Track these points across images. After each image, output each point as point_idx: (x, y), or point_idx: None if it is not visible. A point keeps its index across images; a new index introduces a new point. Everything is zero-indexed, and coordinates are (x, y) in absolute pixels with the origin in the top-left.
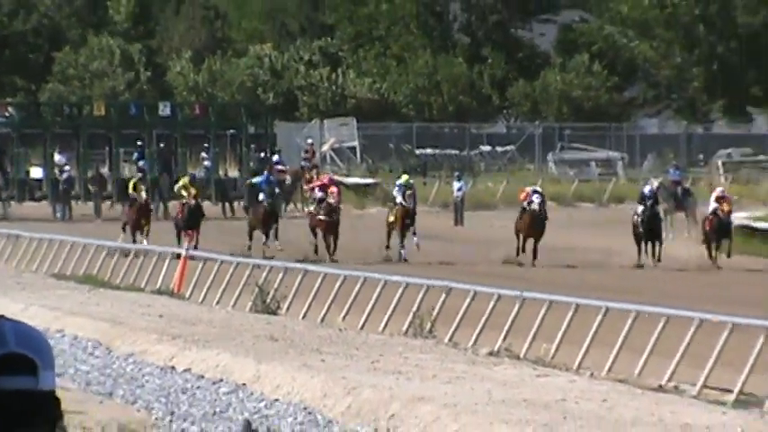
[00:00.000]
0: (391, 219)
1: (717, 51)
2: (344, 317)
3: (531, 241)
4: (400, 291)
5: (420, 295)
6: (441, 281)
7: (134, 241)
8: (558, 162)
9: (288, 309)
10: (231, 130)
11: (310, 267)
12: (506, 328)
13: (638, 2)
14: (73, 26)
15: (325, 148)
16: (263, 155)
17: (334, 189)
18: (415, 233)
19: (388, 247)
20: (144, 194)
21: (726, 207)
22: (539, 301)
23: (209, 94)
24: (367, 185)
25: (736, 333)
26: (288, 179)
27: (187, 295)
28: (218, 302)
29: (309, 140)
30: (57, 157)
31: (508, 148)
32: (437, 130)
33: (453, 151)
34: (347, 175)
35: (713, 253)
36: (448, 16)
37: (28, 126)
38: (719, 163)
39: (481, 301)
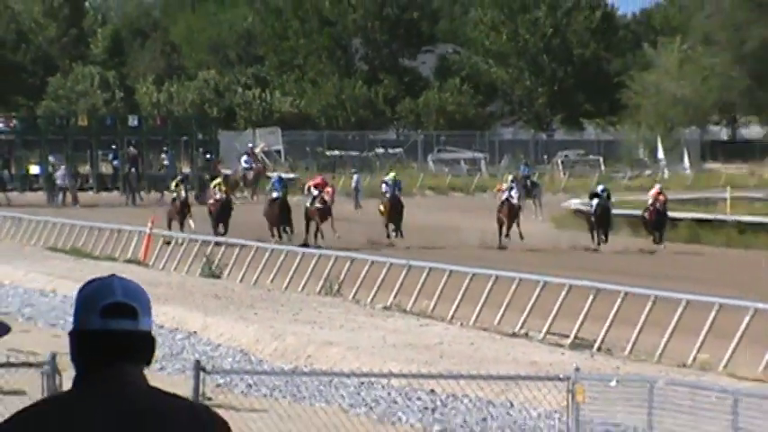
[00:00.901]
0: (381, 209)
1: (557, 76)
2: (272, 280)
3: (505, 226)
4: (314, 260)
5: (330, 263)
6: (345, 252)
7: (181, 229)
8: (435, 161)
9: (228, 274)
10: (184, 137)
11: (247, 242)
12: (396, 288)
13: (497, 37)
14: (62, 57)
15: (257, 150)
16: (208, 156)
17: (329, 189)
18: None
19: (388, 236)
20: (183, 192)
21: (662, 198)
22: (421, 267)
23: (167, 109)
24: (289, 179)
25: (574, 292)
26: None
27: (151, 263)
28: (174, 269)
29: (250, 145)
30: (50, 158)
31: (397, 150)
32: (343, 136)
33: (355, 153)
34: (274, 171)
35: (656, 237)
36: (351, 49)
37: (28, 134)
38: (559, 161)
39: (377, 268)
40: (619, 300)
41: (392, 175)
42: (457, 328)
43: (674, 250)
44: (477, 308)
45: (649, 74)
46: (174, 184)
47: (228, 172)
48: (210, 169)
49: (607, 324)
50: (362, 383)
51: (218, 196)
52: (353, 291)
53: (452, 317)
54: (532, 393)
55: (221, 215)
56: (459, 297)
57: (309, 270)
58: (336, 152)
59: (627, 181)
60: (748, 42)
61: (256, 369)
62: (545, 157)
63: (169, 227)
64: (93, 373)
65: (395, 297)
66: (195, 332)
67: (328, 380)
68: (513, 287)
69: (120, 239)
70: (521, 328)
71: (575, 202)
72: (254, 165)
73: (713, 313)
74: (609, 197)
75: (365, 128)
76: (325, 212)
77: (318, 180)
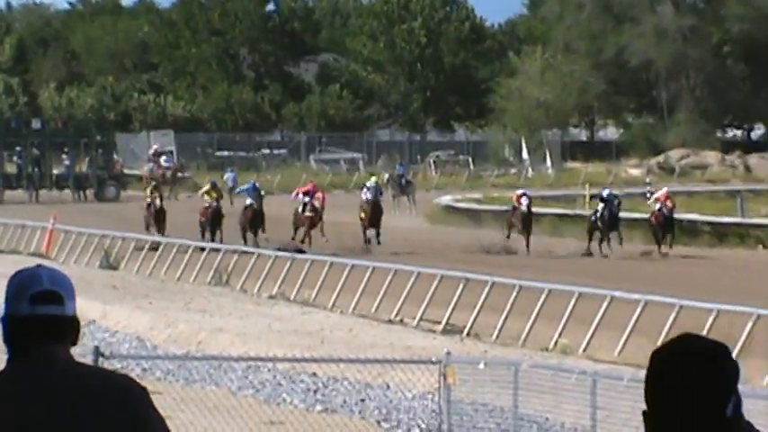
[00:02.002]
0: (362, 215)
1: (430, 82)
2: (166, 272)
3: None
4: (204, 254)
5: (219, 257)
6: (232, 245)
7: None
8: (317, 161)
9: (125, 265)
10: (84, 139)
11: (139, 236)
12: (281, 279)
13: (374, 46)
14: None
15: (151, 151)
16: (106, 157)
17: (320, 195)
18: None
19: (368, 241)
20: (158, 200)
21: (670, 204)
22: (304, 260)
23: (68, 113)
24: (181, 178)
25: (444, 282)
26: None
27: (53, 256)
28: (75, 262)
29: (155, 146)
30: None
31: (282, 151)
32: (231, 138)
33: (243, 153)
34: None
35: (660, 244)
36: (239, 57)
37: None
38: (431, 161)
39: (263, 261)
40: (486, 288)
41: (373, 180)
42: (337, 316)
43: (540, 243)
44: (356, 297)
45: (514, 80)
46: (148, 190)
47: (136, 172)
48: (108, 169)
49: (476, 311)
50: (250, 367)
51: (206, 204)
52: (241, 281)
53: (333, 305)
54: (407, 376)
55: (213, 223)
56: (339, 287)
57: (200, 262)
58: (225, 153)
59: (494, 179)
60: (604, 51)
61: (151, 354)
62: (418, 157)
63: (147, 230)
64: (25, 354)
65: (279, 287)
66: (94, 320)
67: (218, 364)
68: (389, 278)
69: (23, 234)
70: (396, 315)
71: (445, 199)
72: (172, 164)
73: (573, 301)
74: (619, 204)
75: (252, 130)
76: (314, 220)
77: (309, 187)
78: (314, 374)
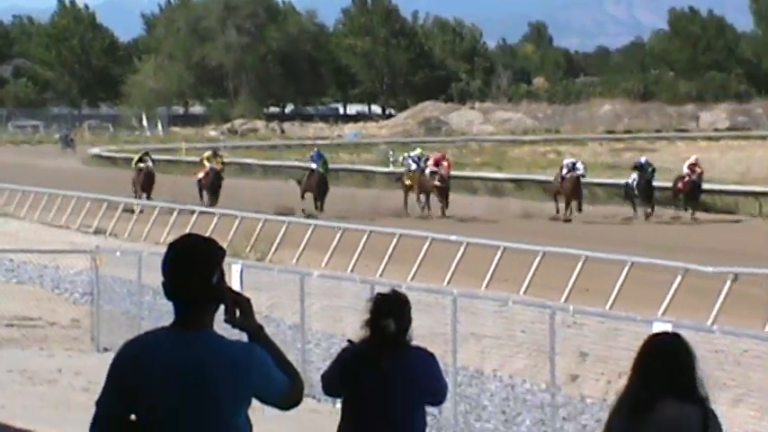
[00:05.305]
0: (408, 182)
1: (84, 77)
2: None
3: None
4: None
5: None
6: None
7: (148, 198)
8: (14, 126)
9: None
10: None
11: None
12: None
13: (49, 54)
14: None
15: None
16: None
17: (446, 163)
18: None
19: (412, 206)
20: (150, 163)
21: (699, 170)
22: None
23: None
24: None
25: (81, 201)
26: None
27: None
28: None
29: None
30: None
31: None
32: None
33: None
34: None
35: (689, 210)
36: None
37: None
38: (86, 126)
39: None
40: (104, 206)
41: (419, 150)
42: (28, 224)
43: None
44: (38, 211)
45: (137, 76)
46: (137, 158)
47: None
48: None
49: (114, 221)
50: None
51: (207, 167)
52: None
53: (24, 216)
54: (71, 260)
55: (212, 186)
56: (29, 201)
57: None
58: None
59: (126, 138)
60: (193, 58)
61: None
62: (77, 124)
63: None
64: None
65: None
66: None
67: None
68: (59, 201)
69: None
70: (64, 223)
71: (95, 150)
72: None
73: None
74: (653, 171)
75: None
76: (443, 189)
77: (438, 156)
78: (11, 260)
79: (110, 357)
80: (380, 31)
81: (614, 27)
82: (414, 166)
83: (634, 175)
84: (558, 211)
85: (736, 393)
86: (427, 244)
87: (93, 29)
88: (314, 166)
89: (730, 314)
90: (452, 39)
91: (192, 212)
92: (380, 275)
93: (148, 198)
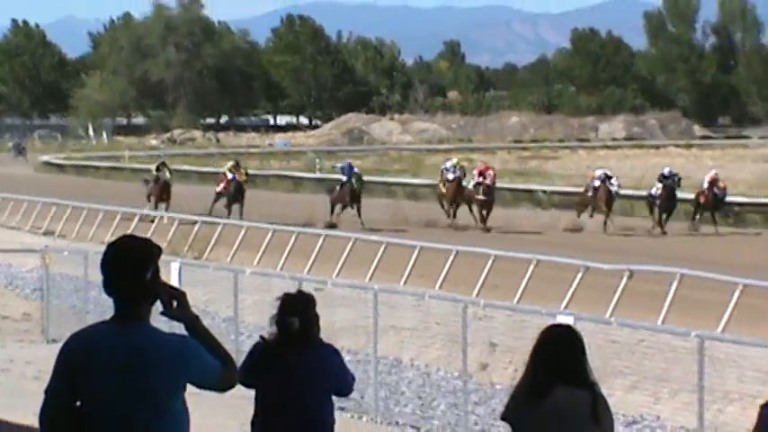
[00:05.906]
0: (444, 191)
1: (36, 92)
2: None
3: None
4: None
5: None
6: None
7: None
8: None
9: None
10: None
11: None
12: None
13: (2, 70)
14: None
15: None
16: None
17: (491, 172)
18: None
19: (448, 215)
20: (167, 173)
21: (722, 185)
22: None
23: None
24: None
25: (34, 205)
26: None
27: None
28: None
29: None
30: None
31: None
32: None
33: None
34: None
35: (716, 221)
36: None
37: None
38: (37, 136)
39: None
40: (54, 209)
41: (455, 160)
42: None
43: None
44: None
45: (84, 90)
46: (155, 167)
47: None
48: None
49: (62, 223)
50: None
51: (230, 177)
52: None
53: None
54: (25, 259)
55: (235, 196)
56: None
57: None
58: None
59: (72, 146)
60: (135, 73)
61: None
62: (28, 133)
63: (149, 201)
64: None
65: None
66: None
67: None
68: (25, 206)
69: None
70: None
71: (45, 158)
72: None
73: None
74: (679, 181)
75: None
76: (487, 203)
77: (482, 167)
78: None
79: (58, 348)
80: (307, 48)
81: (521, 45)
82: (451, 176)
83: (658, 185)
84: (578, 216)
85: (632, 380)
86: (350, 244)
87: (43, 46)
88: (344, 178)
89: (627, 307)
90: (373, 56)
91: (135, 216)
92: (308, 273)
93: (167, 209)
